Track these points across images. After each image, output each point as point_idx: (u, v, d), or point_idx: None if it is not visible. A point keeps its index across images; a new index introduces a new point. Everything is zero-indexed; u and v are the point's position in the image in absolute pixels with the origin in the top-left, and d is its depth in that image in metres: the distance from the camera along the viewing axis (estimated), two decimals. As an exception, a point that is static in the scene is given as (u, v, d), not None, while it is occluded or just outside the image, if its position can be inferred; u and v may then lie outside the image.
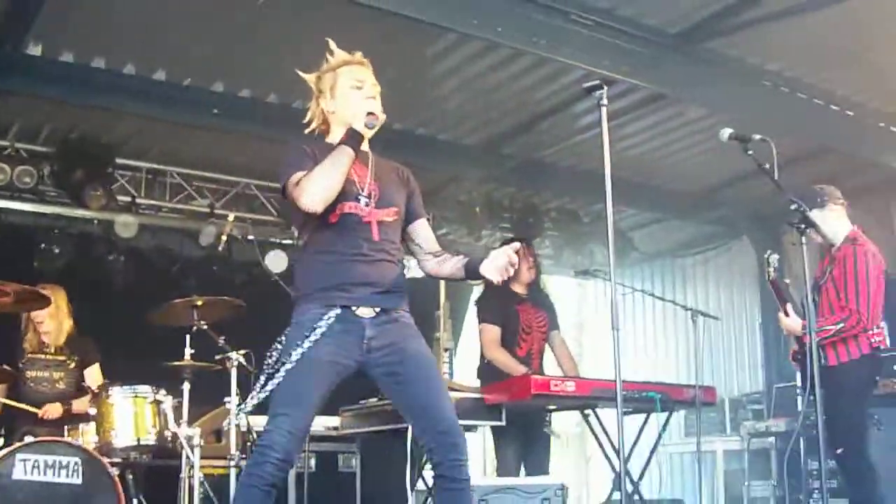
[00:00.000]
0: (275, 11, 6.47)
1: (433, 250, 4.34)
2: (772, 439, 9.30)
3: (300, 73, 4.35)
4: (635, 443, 7.36)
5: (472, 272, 4.09)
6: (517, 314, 7.25)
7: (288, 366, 3.89)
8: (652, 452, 7.07)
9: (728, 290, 11.83)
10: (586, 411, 6.86)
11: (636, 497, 7.05)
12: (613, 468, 6.52)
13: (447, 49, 7.30)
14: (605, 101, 4.37)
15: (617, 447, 4.77)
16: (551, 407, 7.05)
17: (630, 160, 9.44)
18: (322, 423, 7.61)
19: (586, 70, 6.90)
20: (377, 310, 4.06)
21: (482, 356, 7.34)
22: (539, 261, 7.84)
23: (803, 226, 4.27)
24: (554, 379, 6.43)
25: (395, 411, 6.50)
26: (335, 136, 4.19)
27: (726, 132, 4.83)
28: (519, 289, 7.32)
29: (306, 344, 3.89)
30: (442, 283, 10.75)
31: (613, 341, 4.10)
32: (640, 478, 7.27)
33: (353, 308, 4.01)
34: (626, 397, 6.69)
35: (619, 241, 10.53)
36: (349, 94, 4.21)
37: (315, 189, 3.88)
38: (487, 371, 7.12)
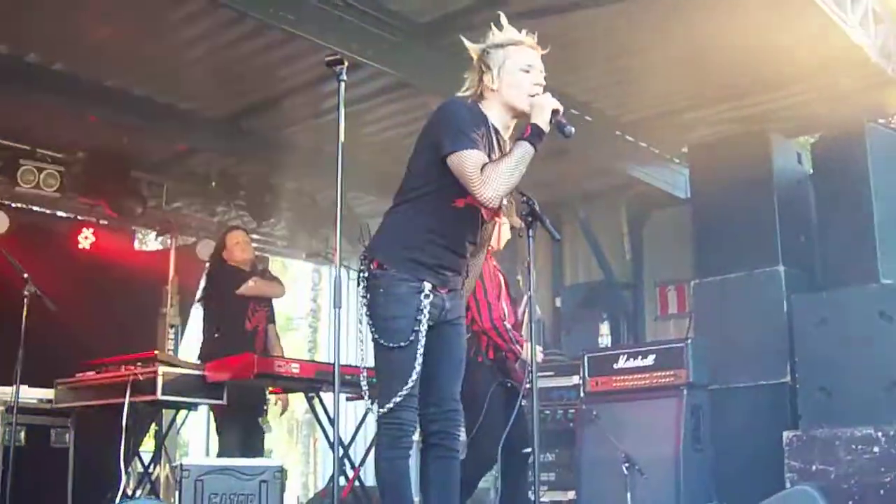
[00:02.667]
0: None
1: None
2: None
3: (465, 42, 4.21)
4: (358, 428, 7.38)
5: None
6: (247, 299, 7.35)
7: (403, 343, 3.94)
8: (374, 439, 7.06)
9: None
10: (310, 395, 6.80)
11: (357, 483, 7.06)
12: (339, 453, 6.48)
13: (193, 16, 7.06)
14: (344, 77, 4.31)
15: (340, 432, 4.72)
16: (274, 388, 6.98)
17: (373, 146, 9.44)
18: (35, 395, 7.25)
19: (333, 51, 6.81)
20: (452, 289, 4.17)
21: (205, 336, 7.24)
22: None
23: (531, 218, 4.32)
24: (278, 360, 6.36)
25: (113, 385, 6.38)
26: (492, 111, 4.09)
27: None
28: (246, 267, 7.36)
29: (418, 326, 3.96)
30: (172, 258, 10.49)
31: (335, 320, 4.08)
32: (362, 463, 7.27)
33: (438, 287, 4.07)
34: (349, 381, 6.70)
35: (356, 226, 10.50)
36: (517, 77, 4.10)
37: (502, 187, 3.86)
38: (210, 351, 7.01)
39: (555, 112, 4.01)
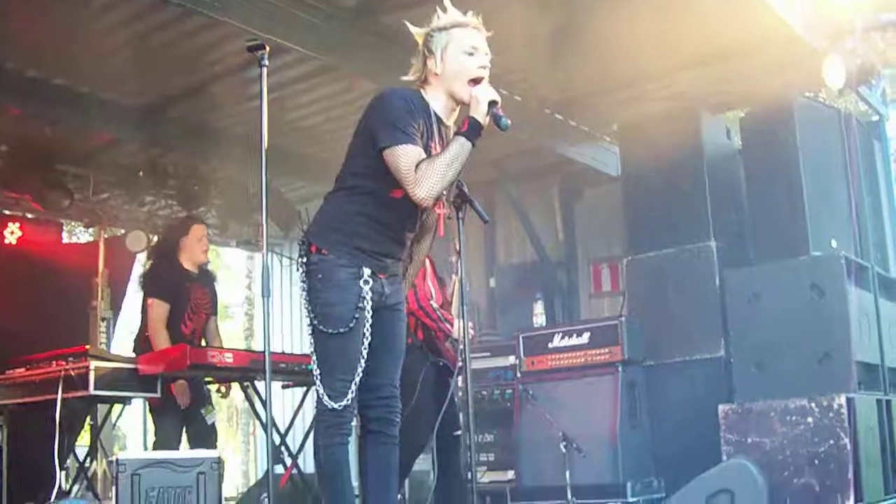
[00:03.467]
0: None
1: None
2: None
3: (409, 26, 4.12)
4: (295, 415, 7.35)
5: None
6: (188, 292, 7.16)
7: (343, 329, 3.93)
8: (311, 426, 7.03)
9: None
10: (245, 384, 6.74)
11: (295, 471, 7.03)
12: (273, 442, 6.44)
13: (112, 1, 6.92)
14: (266, 62, 4.26)
15: (275, 420, 4.69)
16: (208, 379, 6.92)
17: (301, 132, 9.38)
18: (-36, 393, 7.13)
19: (258, 35, 6.73)
20: (392, 275, 4.19)
21: (142, 329, 7.12)
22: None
23: (460, 200, 4.29)
24: (211, 350, 6.32)
25: (45, 381, 6.27)
26: (435, 97, 4.06)
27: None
28: (190, 267, 7.21)
29: (358, 313, 3.94)
30: (101, 250, 10.35)
31: (265, 308, 4.04)
32: (300, 450, 7.24)
33: (377, 273, 4.08)
34: (284, 369, 6.70)
35: (287, 212, 10.42)
36: (460, 60, 4.04)
37: (436, 186, 3.84)
38: (145, 344, 6.91)
39: (492, 103, 3.97)
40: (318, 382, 3.96)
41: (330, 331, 3.92)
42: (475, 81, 4.03)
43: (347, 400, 3.94)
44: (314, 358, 3.99)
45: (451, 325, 5.92)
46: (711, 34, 7.47)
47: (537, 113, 9.20)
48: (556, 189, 11.13)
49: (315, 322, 3.96)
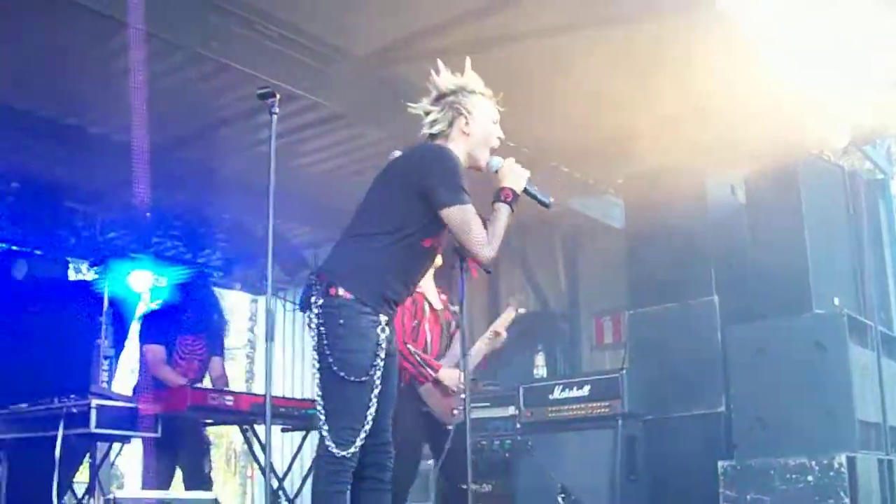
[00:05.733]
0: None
1: None
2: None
3: (440, 79, 4.27)
4: (293, 459, 7.34)
5: None
6: (175, 339, 7.35)
7: (364, 378, 3.95)
8: (309, 470, 7.02)
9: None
10: (244, 427, 6.75)
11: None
12: (271, 486, 6.43)
13: (125, 45, 6.96)
14: (276, 110, 4.31)
15: (274, 464, 4.69)
16: (208, 420, 6.92)
17: (309, 177, 9.43)
18: (-35, 427, 7.13)
19: (267, 82, 6.79)
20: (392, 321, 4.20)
21: (141, 372, 7.21)
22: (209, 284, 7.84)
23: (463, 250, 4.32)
24: (211, 392, 6.33)
25: (47, 417, 6.28)
26: (460, 152, 4.18)
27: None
28: (185, 316, 7.37)
29: (377, 361, 3.99)
30: (106, 289, 10.37)
31: (267, 353, 4.05)
32: (297, 495, 7.23)
33: (390, 319, 4.13)
34: (284, 413, 6.71)
35: (293, 258, 10.46)
36: (488, 128, 4.25)
37: (496, 250, 4.04)
38: (145, 388, 6.95)
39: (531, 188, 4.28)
40: (324, 427, 3.93)
41: (351, 378, 3.91)
42: (492, 150, 4.23)
43: (355, 448, 3.93)
44: (321, 402, 3.95)
45: (435, 370, 5.85)
46: (717, 90, 7.52)
47: (543, 164, 9.24)
48: (559, 240, 11.16)
49: (334, 367, 3.92)
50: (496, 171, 4.23)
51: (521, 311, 6.54)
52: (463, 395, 5.80)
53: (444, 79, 4.29)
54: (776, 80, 7.29)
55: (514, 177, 4.20)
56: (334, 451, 3.89)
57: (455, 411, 5.92)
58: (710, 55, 6.96)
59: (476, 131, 4.22)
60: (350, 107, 7.58)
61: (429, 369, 5.82)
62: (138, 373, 7.41)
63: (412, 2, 6.52)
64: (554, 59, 7.20)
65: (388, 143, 8.40)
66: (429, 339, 5.95)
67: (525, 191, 4.23)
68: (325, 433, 3.92)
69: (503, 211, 4.10)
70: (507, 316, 6.36)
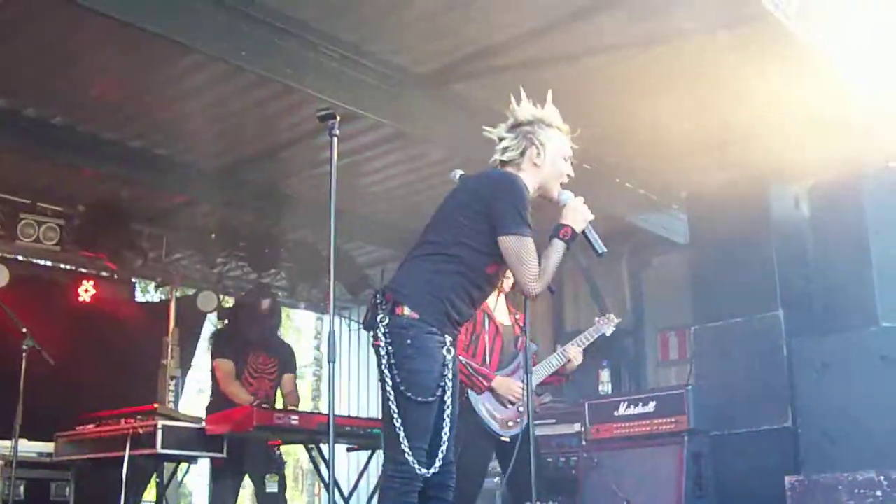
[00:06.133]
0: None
1: None
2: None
3: (518, 108, 4.28)
4: (359, 478, 7.37)
5: None
6: (246, 358, 7.37)
7: (431, 399, 3.95)
8: (375, 488, 7.06)
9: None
10: (310, 446, 6.79)
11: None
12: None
13: (191, 68, 7.11)
14: (336, 132, 4.35)
15: (339, 482, 4.72)
16: (275, 441, 6.97)
17: (372, 196, 9.50)
18: (34, 449, 7.27)
19: (329, 102, 6.87)
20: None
21: (214, 393, 7.28)
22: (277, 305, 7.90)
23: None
24: (277, 412, 6.35)
25: (113, 438, 6.37)
26: (529, 183, 4.17)
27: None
28: (253, 335, 7.46)
29: (444, 381, 4.01)
30: (172, 309, 10.51)
31: (329, 374, 4.07)
32: (363, 513, 7.27)
33: (453, 341, 4.13)
34: (349, 433, 6.72)
35: (356, 276, 10.53)
36: (560, 163, 4.27)
37: (546, 286, 4.06)
38: (216, 408, 7.01)
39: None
40: (403, 445, 3.90)
41: (418, 399, 3.91)
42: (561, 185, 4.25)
43: (435, 469, 3.95)
44: (397, 420, 3.93)
45: (489, 379, 5.86)
46: (780, 101, 7.48)
47: (607, 181, 9.23)
48: (624, 257, 11.11)
49: (402, 387, 3.91)
50: (563, 206, 4.22)
51: (616, 320, 6.59)
52: (521, 409, 5.86)
53: (524, 108, 4.29)
54: (840, 90, 7.22)
55: (578, 217, 4.18)
56: (414, 468, 3.88)
57: (510, 423, 5.93)
58: (770, 67, 6.93)
59: (547, 164, 4.22)
60: (412, 125, 7.61)
61: (482, 378, 5.82)
62: (211, 392, 7.47)
63: (472, 21, 6.54)
64: (613, 77, 7.21)
65: (449, 161, 8.46)
66: (487, 351, 5.96)
67: (584, 233, 4.22)
68: (403, 451, 3.90)
69: (559, 248, 4.09)
70: (597, 328, 6.45)
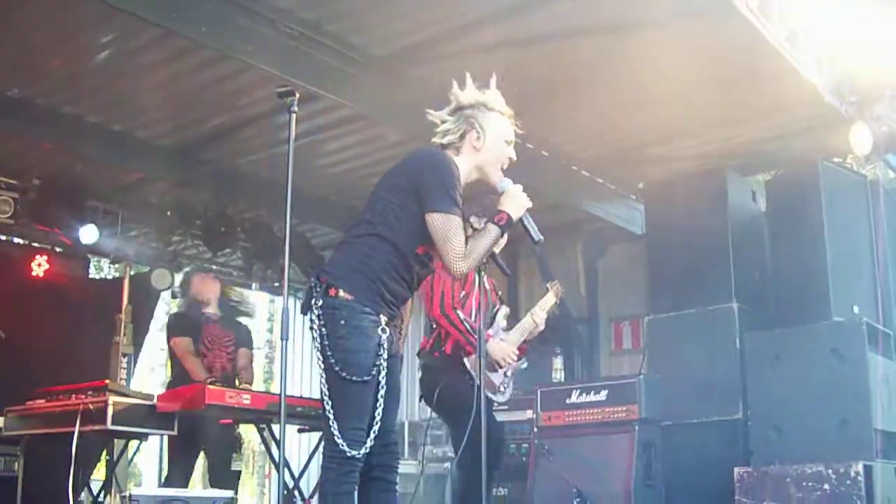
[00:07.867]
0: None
1: None
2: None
3: (459, 93, 4.25)
4: (310, 459, 7.34)
5: None
6: (200, 330, 7.44)
7: (367, 378, 3.94)
8: (325, 470, 7.03)
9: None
10: (261, 426, 6.75)
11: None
12: (285, 484, 6.45)
13: (150, 43, 7.01)
14: (295, 108, 4.33)
15: (290, 463, 4.70)
16: (226, 420, 6.94)
17: (329, 178, 9.45)
18: (-19, 423, 7.18)
19: (287, 81, 6.81)
20: (395, 324, 4.18)
21: (173, 372, 7.31)
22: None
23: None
24: (229, 391, 6.32)
25: (63, 414, 6.30)
26: (462, 166, 4.14)
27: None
28: (210, 309, 7.59)
29: (379, 361, 3.98)
30: (126, 286, 10.41)
31: (282, 351, 4.05)
32: (313, 494, 7.22)
33: (389, 321, 4.09)
34: (300, 413, 6.70)
35: (311, 257, 10.48)
36: (501, 147, 4.23)
37: (473, 265, 4.07)
38: (175, 387, 7.00)
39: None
40: (333, 428, 3.91)
41: (353, 378, 3.91)
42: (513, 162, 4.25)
43: (366, 448, 3.94)
44: (329, 402, 3.94)
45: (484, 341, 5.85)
46: (740, 96, 7.52)
47: (564, 169, 9.24)
48: (579, 245, 11.14)
49: (336, 368, 3.92)
50: (502, 193, 4.21)
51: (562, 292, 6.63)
52: (509, 373, 5.94)
53: (467, 92, 4.28)
54: (799, 87, 7.26)
55: (516, 204, 4.17)
56: (345, 450, 3.88)
57: (502, 387, 6.00)
58: (728, 60, 6.95)
59: (487, 148, 4.21)
60: (370, 107, 7.57)
61: (475, 335, 5.76)
62: (171, 371, 7.49)
63: (432, 4, 6.52)
64: (573, 64, 7.20)
65: (407, 144, 8.44)
66: (473, 313, 5.92)
67: (521, 220, 4.20)
68: (333, 433, 3.91)
69: (491, 231, 4.07)
70: (548, 299, 6.46)
